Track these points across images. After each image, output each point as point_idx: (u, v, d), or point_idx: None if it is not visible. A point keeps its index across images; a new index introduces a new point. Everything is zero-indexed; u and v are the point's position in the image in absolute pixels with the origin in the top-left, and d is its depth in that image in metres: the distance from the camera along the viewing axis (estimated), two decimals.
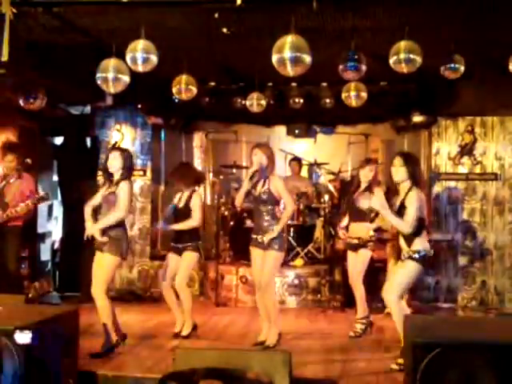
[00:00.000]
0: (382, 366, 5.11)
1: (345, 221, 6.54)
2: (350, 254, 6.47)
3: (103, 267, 5.37)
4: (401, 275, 5.03)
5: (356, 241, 6.35)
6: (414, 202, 4.87)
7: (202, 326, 6.54)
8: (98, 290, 5.33)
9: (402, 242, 5.03)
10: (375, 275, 7.37)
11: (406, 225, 4.85)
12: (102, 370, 4.89)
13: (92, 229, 5.43)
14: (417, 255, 4.90)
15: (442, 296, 8.08)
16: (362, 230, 6.20)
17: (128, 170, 5.49)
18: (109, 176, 5.51)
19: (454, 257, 8.14)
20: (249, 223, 8.09)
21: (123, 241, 5.43)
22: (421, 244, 4.93)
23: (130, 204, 5.45)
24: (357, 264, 6.35)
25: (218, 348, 5.11)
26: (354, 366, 5.29)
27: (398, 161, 5.07)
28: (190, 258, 6.22)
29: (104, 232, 5.35)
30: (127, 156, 5.51)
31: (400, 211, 4.98)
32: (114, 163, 5.42)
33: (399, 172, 5.04)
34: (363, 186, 6.37)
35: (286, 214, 5.78)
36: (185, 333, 6.09)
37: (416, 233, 4.91)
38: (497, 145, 8.17)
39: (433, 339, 3.45)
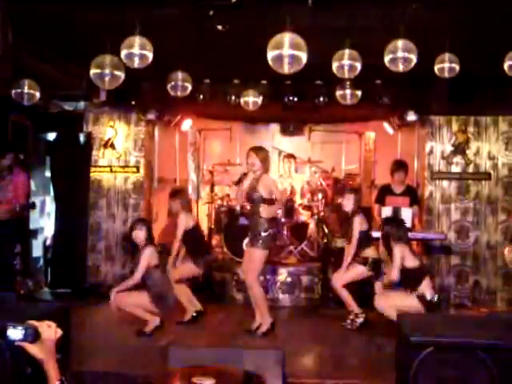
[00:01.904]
0: (375, 364, 5.12)
1: None
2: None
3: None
4: None
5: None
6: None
7: (195, 323, 6.55)
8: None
9: None
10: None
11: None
12: (93, 367, 4.88)
13: None
14: None
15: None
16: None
17: None
18: None
19: (446, 256, 8.16)
20: (242, 220, 8.09)
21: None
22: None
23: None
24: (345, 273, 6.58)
25: (210, 345, 5.12)
26: (346, 363, 5.30)
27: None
28: None
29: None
30: None
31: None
32: None
33: None
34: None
35: (276, 207, 6.12)
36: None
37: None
38: (490, 144, 8.19)
39: (426, 338, 3.46)
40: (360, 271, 6.47)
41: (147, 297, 5.98)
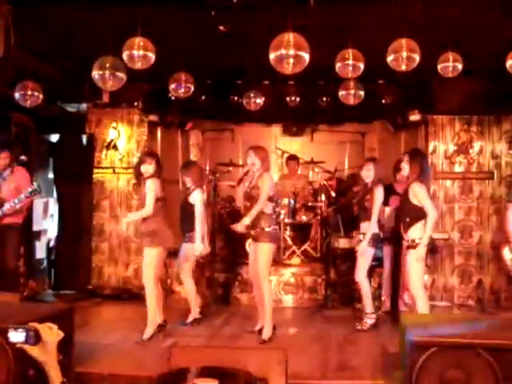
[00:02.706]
0: (379, 364, 5.10)
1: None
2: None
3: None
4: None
5: (361, 236, 6.45)
6: (422, 195, 5.35)
7: (198, 324, 6.54)
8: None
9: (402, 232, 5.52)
10: (369, 275, 7.37)
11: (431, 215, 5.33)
12: (97, 368, 4.87)
13: None
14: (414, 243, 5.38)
15: (439, 294, 8.07)
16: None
17: None
18: None
19: (450, 255, 8.14)
20: None
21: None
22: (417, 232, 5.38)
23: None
24: (359, 260, 6.42)
25: (213, 346, 5.11)
26: (349, 363, 5.28)
27: (404, 158, 5.64)
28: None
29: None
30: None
31: (405, 203, 5.51)
32: None
33: (405, 168, 5.61)
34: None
35: (257, 205, 5.86)
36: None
37: (414, 221, 5.42)
38: (493, 143, 8.17)
39: (429, 338, 3.45)
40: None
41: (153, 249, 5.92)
